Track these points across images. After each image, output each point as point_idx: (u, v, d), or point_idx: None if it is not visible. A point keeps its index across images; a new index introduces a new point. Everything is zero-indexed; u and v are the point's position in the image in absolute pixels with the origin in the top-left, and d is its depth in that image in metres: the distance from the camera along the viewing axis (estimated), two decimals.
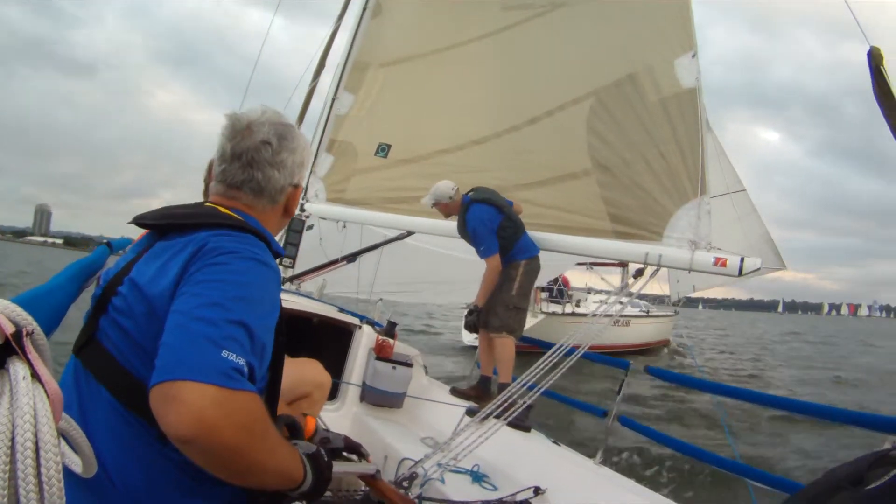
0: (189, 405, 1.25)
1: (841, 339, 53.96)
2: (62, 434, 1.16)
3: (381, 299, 7.32)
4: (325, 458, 1.68)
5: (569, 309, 25.96)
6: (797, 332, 61.91)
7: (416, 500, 3.03)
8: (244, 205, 1.79)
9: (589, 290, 29.78)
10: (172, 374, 1.29)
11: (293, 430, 1.81)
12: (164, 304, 1.46)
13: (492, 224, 5.08)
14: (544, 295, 25.69)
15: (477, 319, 5.09)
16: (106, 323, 1.57)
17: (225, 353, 1.32)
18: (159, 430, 1.30)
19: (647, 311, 28.86)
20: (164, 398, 1.28)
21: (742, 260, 4.00)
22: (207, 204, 1.78)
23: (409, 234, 6.15)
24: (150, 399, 1.30)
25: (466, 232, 5.21)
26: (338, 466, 2.35)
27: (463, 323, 5.09)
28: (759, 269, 4.06)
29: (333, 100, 6.70)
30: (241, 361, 1.35)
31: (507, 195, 5.50)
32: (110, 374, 1.52)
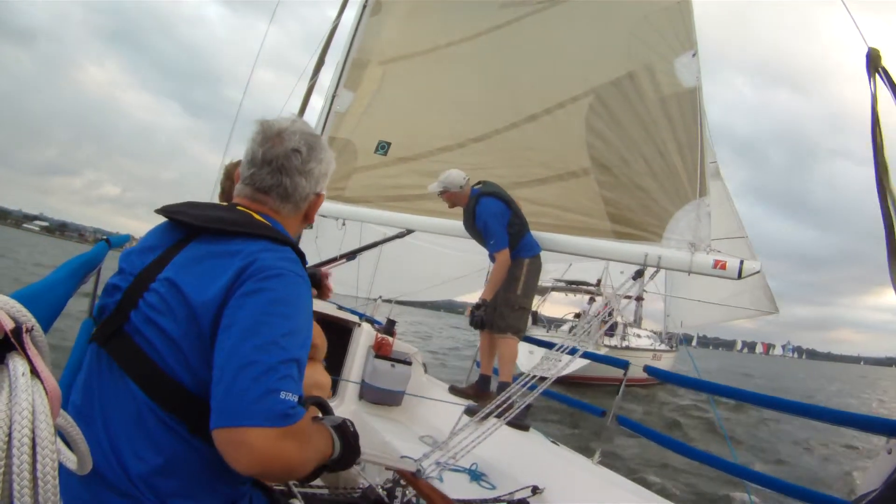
0: (257, 450, 1.40)
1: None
2: (59, 431, 1.17)
3: (380, 297, 7.33)
4: (352, 429, 1.84)
5: (619, 342, 28.40)
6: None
7: (455, 501, 3.02)
8: (270, 209, 1.84)
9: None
10: (238, 420, 1.41)
11: (322, 408, 1.96)
12: (209, 314, 1.54)
13: (503, 218, 5.06)
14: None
15: (484, 314, 5.04)
16: (138, 318, 1.60)
17: (283, 395, 1.45)
18: (191, 424, 1.53)
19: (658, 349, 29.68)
20: (233, 443, 1.41)
21: (742, 262, 4.00)
22: (239, 208, 1.81)
23: (409, 232, 6.14)
24: (216, 438, 1.42)
25: (475, 225, 5.16)
26: (381, 458, 2.44)
27: (469, 319, 5.02)
28: (758, 271, 4.05)
29: (333, 97, 6.69)
30: (295, 398, 1.48)
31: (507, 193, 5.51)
32: (141, 367, 1.56)
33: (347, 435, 1.81)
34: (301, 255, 1.75)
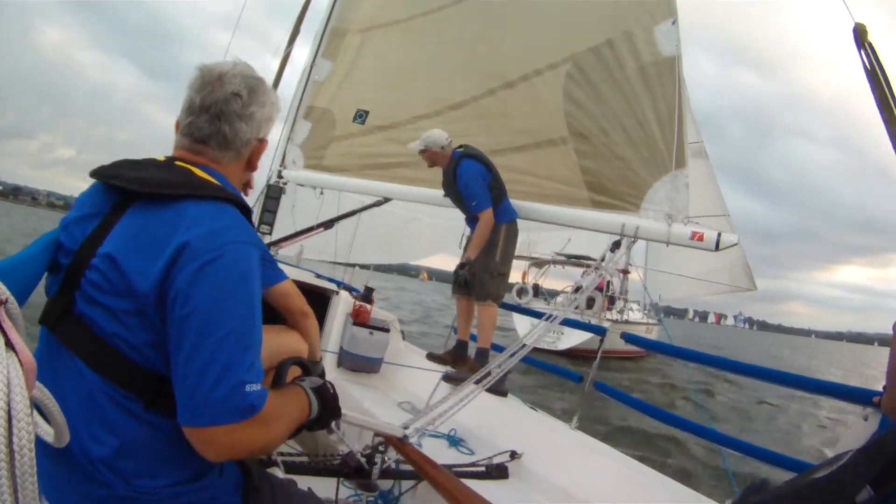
0: (226, 444, 1.45)
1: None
2: (35, 403, 1.16)
3: (356, 265, 7.33)
4: (332, 391, 1.87)
5: (618, 316, 28.72)
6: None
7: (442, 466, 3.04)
8: (210, 159, 1.74)
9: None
10: (206, 421, 1.43)
11: (304, 368, 2.00)
12: (152, 294, 1.48)
13: (484, 180, 5.02)
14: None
15: (468, 274, 4.97)
16: (82, 298, 1.54)
17: (248, 388, 1.45)
18: (146, 400, 1.51)
19: (650, 322, 30.09)
20: (201, 440, 1.45)
21: (719, 235, 4.02)
22: (178, 163, 1.70)
23: (387, 200, 6.13)
24: (185, 431, 1.45)
25: (456, 186, 5.12)
26: (365, 421, 2.46)
27: (454, 280, 4.97)
28: (735, 243, 4.08)
29: (311, 66, 6.64)
30: (258, 385, 1.48)
31: None
32: (90, 348, 1.52)
33: (326, 396, 1.83)
34: (246, 210, 1.69)
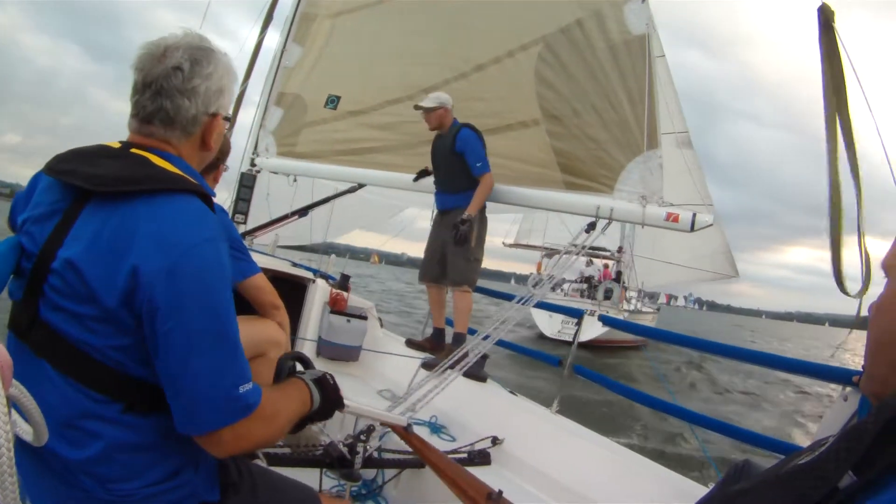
0: (229, 444, 1.50)
1: None
2: (12, 401, 1.14)
3: (332, 254, 7.30)
4: (332, 382, 1.91)
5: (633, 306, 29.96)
6: None
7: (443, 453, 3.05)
8: (159, 140, 1.66)
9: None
10: (205, 429, 1.46)
11: (304, 363, 2.02)
12: (118, 302, 1.44)
13: (483, 148, 5.04)
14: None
15: (468, 229, 4.91)
16: (46, 306, 1.50)
17: (241, 389, 1.48)
18: (122, 404, 1.50)
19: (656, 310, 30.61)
20: (206, 444, 1.50)
21: (694, 215, 4.03)
22: (133, 151, 1.61)
23: (361, 186, 6.09)
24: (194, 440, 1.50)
25: (454, 149, 5.06)
26: (369, 411, 2.48)
27: (454, 235, 4.91)
28: (710, 224, 4.09)
29: (282, 52, 6.58)
30: (250, 383, 1.51)
31: None
32: (64, 357, 1.48)
33: (327, 388, 1.87)
34: (206, 198, 1.61)
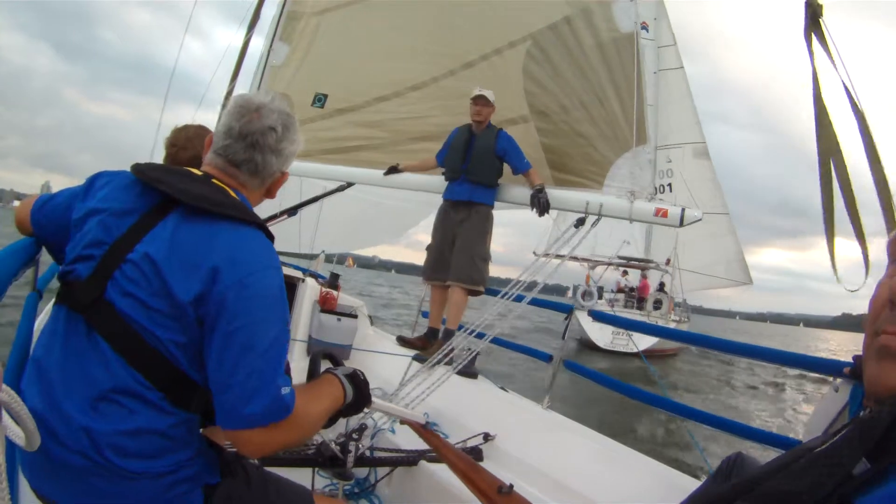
0: (261, 445, 1.66)
1: None
2: (4, 406, 1.20)
3: (323, 251, 7.29)
4: (362, 377, 2.04)
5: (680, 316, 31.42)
6: None
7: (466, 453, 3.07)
8: (239, 183, 1.86)
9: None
10: (245, 425, 1.60)
11: (334, 360, 2.17)
12: (190, 301, 1.59)
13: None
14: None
15: (546, 198, 4.71)
16: (114, 289, 1.63)
17: (283, 391, 1.62)
18: (168, 394, 1.63)
19: (680, 321, 31.19)
20: (239, 441, 1.64)
21: (683, 210, 4.04)
22: (214, 181, 1.81)
23: (350, 185, 6.08)
24: (225, 434, 1.63)
25: (495, 152, 5.07)
26: (392, 407, 2.78)
27: (534, 204, 4.72)
28: (699, 219, 4.11)
29: (269, 51, 6.55)
30: (289, 388, 1.65)
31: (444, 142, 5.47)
32: (123, 337, 1.61)
33: (358, 383, 2.00)
34: (270, 236, 1.80)
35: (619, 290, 32.86)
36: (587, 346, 25.76)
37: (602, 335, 24.71)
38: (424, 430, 2.87)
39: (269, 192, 2.00)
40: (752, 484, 0.98)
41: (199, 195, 1.70)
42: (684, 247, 30.09)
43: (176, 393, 1.64)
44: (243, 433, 1.60)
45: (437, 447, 2.80)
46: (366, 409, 2.12)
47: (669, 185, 32.71)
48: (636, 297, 31.60)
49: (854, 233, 2.74)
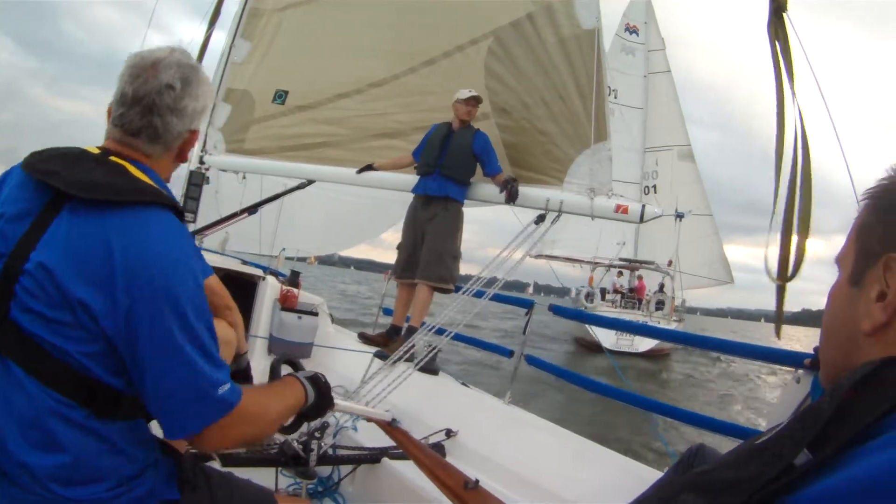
0: (213, 442, 1.58)
1: None
2: None
3: (283, 249, 7.25)
4: (323, 380, 1.98)
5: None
6: None
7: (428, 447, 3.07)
8: (141, 154, 1.68)
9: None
10: (187, 432, 1.52)
11: (293, 365, 2.14)
12: (94, 318, 1.46)
13: None
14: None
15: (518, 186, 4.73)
16: (17, 306, 1.47)
17: (220, 391, 1.53)
18: (90, 409, 1.50)
19: (680, 320, 31.99)
20: (196, 443, 1.57)
21: (643, 207, 4.08)
22: (112, 159, 1.62)
23: (310, 182, 6.04)
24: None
25: (472, 151, 5.03)
26: (355, 408, 2.80)
27: (505, 196, 4.72)
28: (659, 215, 4.15)
29: (230, 48, 6.50)
30: (227, 384, 1.55)
31: (407, 138, 5.46)
32: (33, 359, 1.47)
33: (320, 385, 1.94)
34: (180, 213, 1.66)
35: (616, 291, 33.48)
36: (589, 346, 26.42)
37: (607, 336, 24.94)
38: (391, 427, 2.87)
39: (181, 156, 1.80)
40: (698, 475, 1.00)
41: (90, 183, 1.51)
42: (669, 247, 31.22)
43: (99, 406, 1.51)
44: (195, 438, 1.53)
45: (404, 444, 2.80)
46: (329, 412, 2.06)
47: (654, 186, 33.63)
48: (636, 297, 32.41)
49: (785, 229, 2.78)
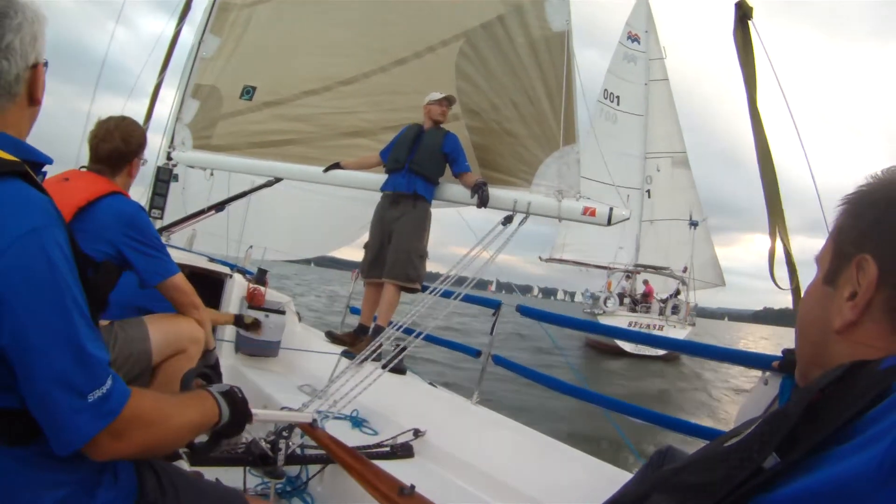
0: (106, 449, 1.34)
1: None
2: None
3: (250, 246, 7.21)
4: (240, 395, 1.78)
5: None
6: None
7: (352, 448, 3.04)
8: None
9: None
10: (73, 445, 1.29)
11: (206, 378, 1.91)
12: None
13: None
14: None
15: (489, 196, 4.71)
16: None
17: (91, 398, 1.30)
18: (13, 445, 1.33)
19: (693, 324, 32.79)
20: (87, 453, 1.33)
21: (611, 209, 4.13)
22: None
23: (278, 180, 6.01)
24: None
25: (442, 150, 5.04)
26: (275, 415, 2.47)
27: (476, 200, 4.70)
28: (627, 218, 4.20)
29: (199, 43, 6.45)
30: (106, 384, 1.33)
31: (375, 138, 5.46)
32: None
33: (236, 400, 1.75)
34: (29, 176, 1.36)
35: (628, 296, 34.23)
36: (603, 348, 27.38)
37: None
38: (312, 429, 2.85)
39: (33, 98, 1.52)
40: (669, 476, 1.02)
41: None
42: (663, 251, 33.10)
43: (10, 435, 1.32)
44: (83, 448, 1.31)
45: (329, 447, 2.75)
46: (248, 425, 1.89)
47: (648, 191, 34.40)
48: (649, 301, 32.97)
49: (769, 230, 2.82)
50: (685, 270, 32.33)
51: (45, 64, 1.54)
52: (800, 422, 0.83)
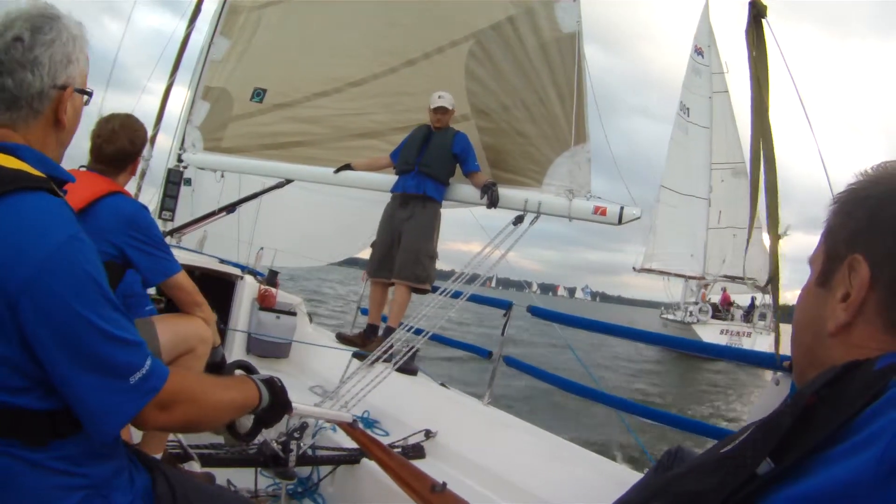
0: (153, 420, 1.42)
1: None
2: None
3: (262, 248, 7.21)
4: (279, 384, 1.83)
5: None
6: None
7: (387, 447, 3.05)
8: (4, 128, 1.40)
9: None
10: (114, 431, 1.36)
11: (247, 369, 1.96)
12: None
13: None
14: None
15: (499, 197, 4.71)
16: None
17: (133, 378, 1.35)
18: (32, 446, 1.31)
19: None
20: (133, 426, 1.45)
21: (622, 209, 4.12)
22: None
23: (288, 181, 6.01)
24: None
25: (452, 151, 5.02)
26: (315, 411, 2.48)
27: (486, 201, 4.71)
28: (638, 217, 4.19)
29: (209, 46, 6.46)
30: (144, 367, 1.37)
31: (385, 139, 5.46)
32: None
33: (275, 389, 1.80)
34: (54, 192, 1.37)
35: (712, 305, 35.31)
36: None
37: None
38: (352, 428, 2.85)
39: (58, 121, 1.48)
40: (670, 482, 1.01)
41: None
42: (720, 256, 34.38)
43: (29, 436, 1.31)
44: (134, 420, 1.38)
45: (368, 446, 2.77)
46: (287, 416, 1.95)
47: (708, 200, 35.29)
48: (729, 309, 34.66)
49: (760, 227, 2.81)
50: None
51: (86, 93, 1.55)
52: (794, 426, 0.82)
